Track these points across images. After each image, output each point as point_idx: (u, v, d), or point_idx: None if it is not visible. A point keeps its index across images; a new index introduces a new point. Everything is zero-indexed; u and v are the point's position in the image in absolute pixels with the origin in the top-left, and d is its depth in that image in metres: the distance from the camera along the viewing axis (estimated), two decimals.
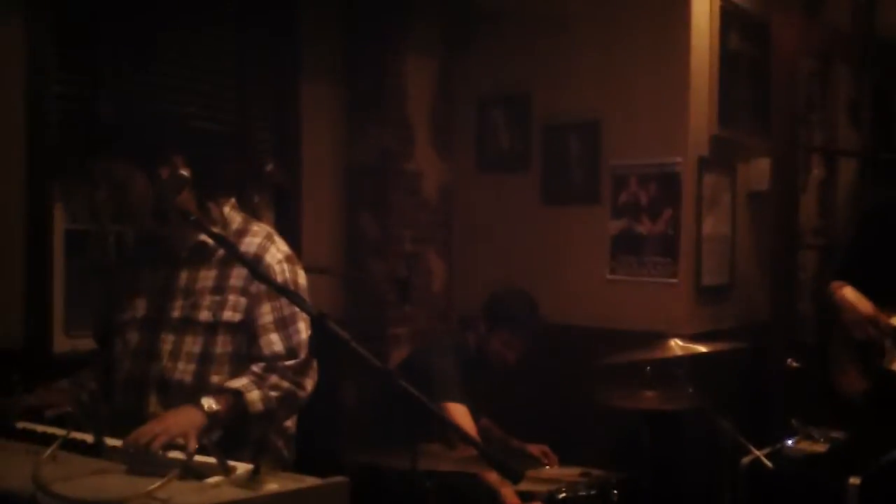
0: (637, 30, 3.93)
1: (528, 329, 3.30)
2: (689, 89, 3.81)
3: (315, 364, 2.19)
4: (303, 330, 2.16)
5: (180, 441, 1.79)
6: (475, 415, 3.28)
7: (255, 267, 2.07)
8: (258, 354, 2.14)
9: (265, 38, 3.96)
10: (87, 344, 2.44)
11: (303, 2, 4.07)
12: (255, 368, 2.11)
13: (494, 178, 4.40)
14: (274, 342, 2.14)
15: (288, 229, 3.85)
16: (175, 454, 1.73)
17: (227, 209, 2.26)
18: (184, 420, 1.90)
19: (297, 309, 2.13)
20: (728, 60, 4.02)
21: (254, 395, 2.05)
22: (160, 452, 1.74)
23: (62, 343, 3.18)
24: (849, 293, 3.13)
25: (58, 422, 1.99)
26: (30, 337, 3.06)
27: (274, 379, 2.10)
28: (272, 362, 2.13)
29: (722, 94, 3.97)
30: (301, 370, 2.15)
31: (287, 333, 2.16)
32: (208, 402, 1.97)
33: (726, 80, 4.00)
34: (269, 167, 3.93)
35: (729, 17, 4.01)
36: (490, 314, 3.33)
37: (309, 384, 2.17)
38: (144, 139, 2.16)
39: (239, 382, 2.06)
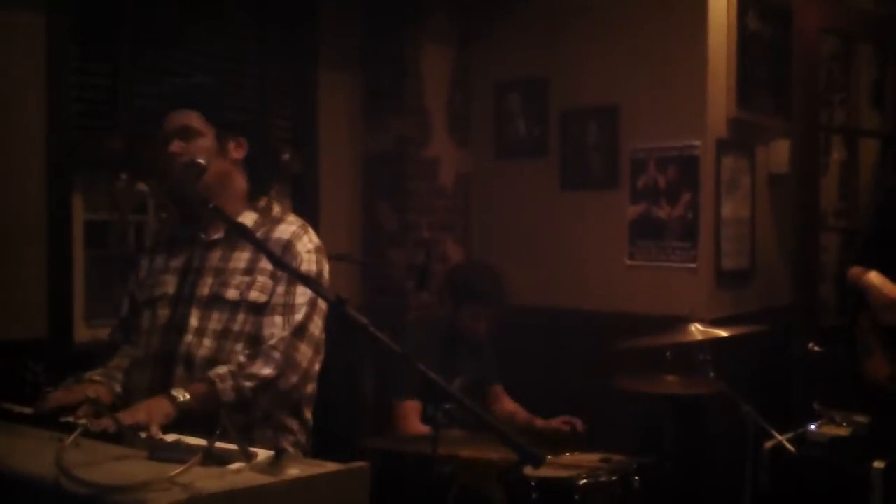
0: (654, 13, 3.90)
1: (494, 300, 3.32)
2: (707, 71, 3.78)
3: (309, 354, 2.19)
4: (302, 316, 2.18)
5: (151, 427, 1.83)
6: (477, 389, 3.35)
7: (278, 256, 2.08)
8: (261, 333, 2.17)
9: (283, 26, 3.97)
10: (107, 333, 2.45)
11: None
12: (241, 357, 2.13)
13: (512, 165, 4.39)
14: (275, 324, 2.17)
15: (306, 218, 3.84)
16: (197, 441, 1.74)
17: (268, 198, 2.34)
18: (150, 409, 1.95)
19: (304, 299, 2.17)
20: (747, 42, 3.98)
21: (226, 385, 2.06)
22: (182, 441, 1.75)
23: (83, 333, 3.21)
24: (875, 278, 3.12)
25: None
26: (52, 327, 3.09)
27: (255, 367, 2.11)
28: (267, 342, 2.14)
29: (740, 75, 3.94)
30: (286, 352, 2.14)
31: (291, 319, 2.18)
32: (180, 393, 2.01)
33: (745, 61, 3.96)
34: (286, 156, 3.93)
35: None
36: (455, 290, 3.35)
37: (294, 372, 2.16)
38: (223, 105, 2.31)
39: (215, 372, 2.09)
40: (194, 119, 2.21)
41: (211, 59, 3.67)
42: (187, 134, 2.20)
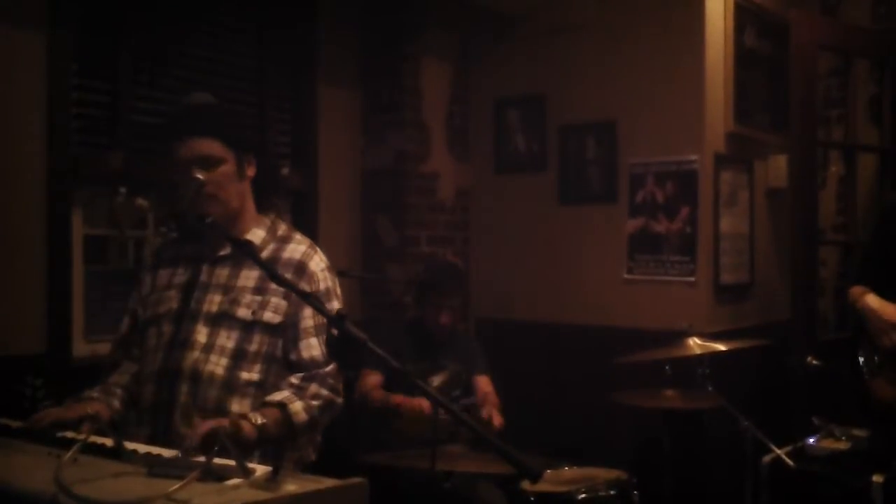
0: (651, 29, 3.92)
1: (451, 290, 3.49)
2: (705, 87, 3.80)
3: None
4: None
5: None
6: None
7: (276, 272, 2.08)
8: (297, 359, 2.18)
9: (282, 42, 3.99)
10: (106, 348, 2.45)
11: (320, 7, 4.09)
12: (294, 380, 2.15)
13: (511, 180, 4.40)
14: (313, 346, 2.19)
15: (305, 232, 3.85)
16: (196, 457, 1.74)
17: (274, 215, 2.35)
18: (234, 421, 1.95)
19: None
20: (744, 57, 4.01)
21: (297, 406, 2.09)
22: (180, 456, 1.75)
23: (82, 348, 3.21)
24: (872, 301, 3.09)
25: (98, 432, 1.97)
26: (50, 342, 3.08)
27: (313, 388, 2.14)
28: (310, 368, 2.17)
29: (738, 91, 3.96)
30: (336, 376, 2.20)
31: (326, 339, 2.19)
32: (255, 416, 2.00)
33: (742, 77, 3.99)
34: (286, 171, 3.95)
35: (744, 15, 4.00)
36: (417, 286, 3.57)
37: (342, 389, 2.22)
38: (237, 125, 2.28)
39: (280, 395, 2.10)
40: (216, 147, 2.15)
41: (210, 75, 3.69)
42: (210, 163, 2.14)
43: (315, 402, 2.12)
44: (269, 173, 2.38)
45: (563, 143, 4.21)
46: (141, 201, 3.39)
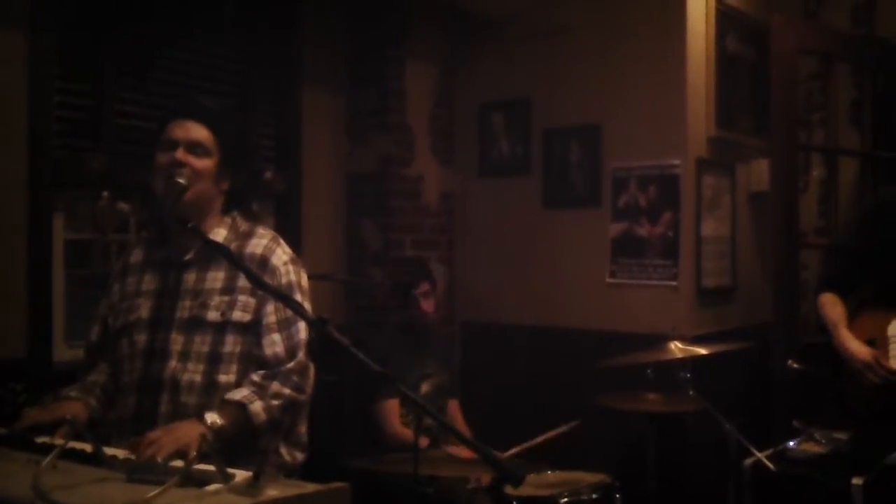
0: (634, 34, 3.94)
1: (420, 280, 3.57)
2: (687, 91, 3.82)
3: (314, 368, 2.21)
4: (302, 330, 2.19)
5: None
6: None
7: (257, 274, 2.08)
8: (260, 354, 2.16)
9: (266, 45, 3.98)
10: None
11: (304, 10, 4.09)
12: (255, 378, 2.12)
13: (495, 183, 4.41)
14: (276, 342, 2.17)
15: (289, 236, 3.85)
16: (175, 462, 1.73)
17: (235, 213, 2.33)
18: (187, 433, 1.91)
19: None
20: (725, 62, 4.03)
21: (256, 407, 2.06)
22: (160, 461, 1.74)
23: (63, 352, 3.19)
24: (846, 340, 3.05)
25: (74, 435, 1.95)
26: (31, 346, 3.07)
27: (275, 387, 2.11)
28: (273, 366, 2.15)
29: (719, 95, 3.98)
30: (301, 372, 2.17)
31: (289, 334, 2.19)
32: (212, 418, 1.99)
33: (724, 81, 4.02)
34: (269, 175, 3.94)
35: (726, 20, 4.02)
36: (397, 291, 3.62)
37: (308, 387, 2.19)
38: (234, 136, 2.29)
39: (240, 394, 2.07)
40: (208, 139, 2.19)
41: (194, 78, 3.68)
42: (198, 149, 2.18)
43: (276, 402, 2.10)
44: (247, 182, 2.36)
45: (547, 146, 4.23)
46: (123, 205, 3.37)
